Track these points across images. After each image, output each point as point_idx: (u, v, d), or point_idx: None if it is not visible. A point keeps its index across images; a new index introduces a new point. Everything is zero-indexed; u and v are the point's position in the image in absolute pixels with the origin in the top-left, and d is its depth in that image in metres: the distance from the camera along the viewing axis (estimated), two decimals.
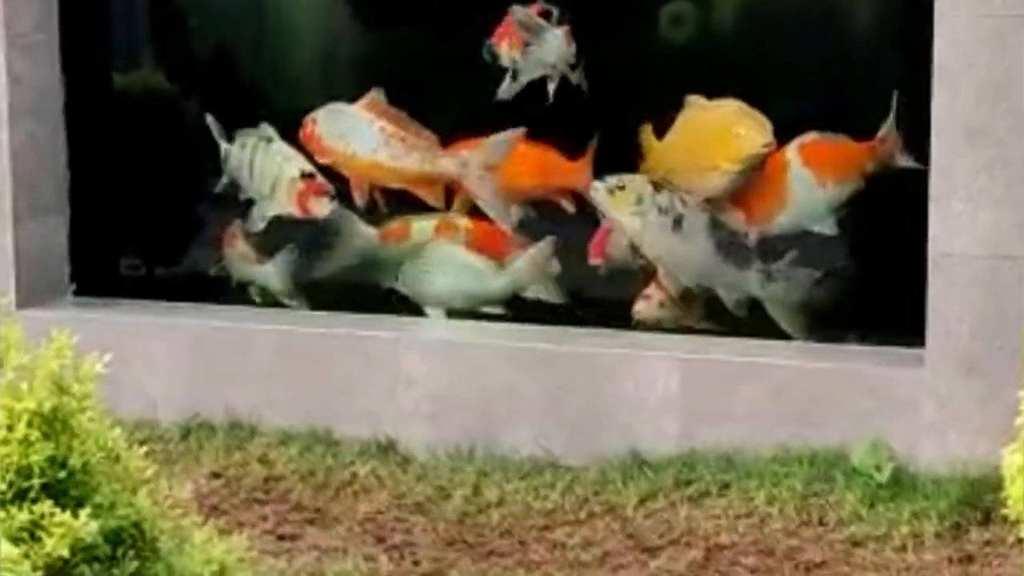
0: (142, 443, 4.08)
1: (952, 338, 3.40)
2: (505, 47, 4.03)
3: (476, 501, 3.63)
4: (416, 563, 3.26)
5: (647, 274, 4.06)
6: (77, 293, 4.61)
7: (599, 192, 4.06)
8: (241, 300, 4.46)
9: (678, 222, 4.00)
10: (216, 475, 3.93)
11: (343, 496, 3.75)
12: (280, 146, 4.36)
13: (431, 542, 3.39)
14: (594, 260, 4.09)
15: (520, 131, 4.03)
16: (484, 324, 4.06)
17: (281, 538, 3.45)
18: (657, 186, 4.04)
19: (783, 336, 3.83)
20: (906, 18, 3.77)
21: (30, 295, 4.48)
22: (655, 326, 3.99)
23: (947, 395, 3.41)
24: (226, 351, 4.21)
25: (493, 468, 3.81)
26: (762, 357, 3.63)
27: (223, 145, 4.45)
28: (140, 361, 4.30)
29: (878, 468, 3.41)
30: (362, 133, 4.15)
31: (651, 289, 4.08)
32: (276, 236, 4.44)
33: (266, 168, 4.36)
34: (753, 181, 3.92)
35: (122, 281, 4.68)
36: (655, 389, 3.67)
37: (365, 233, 4.32)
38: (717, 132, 3.94)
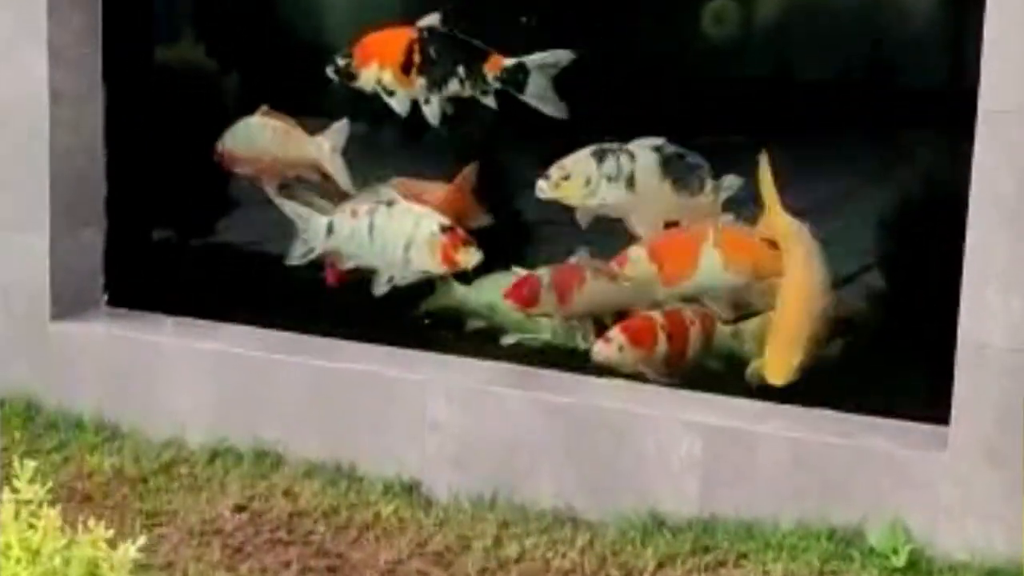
0: (168, 465, 4.23)
1: (977, 425, 3.41)
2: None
3: (496, 555, 3.66)
4: None
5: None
6: (111, 303, 4.68)
7: (545, 191, 4.09)
8: (272, 320, 4.52)
9: (631, 179, 4.07)
10: (241, 508, 3.98)
11: (365, 541, 3.79)
12: (407, 205, 4.31)
13: None
14: (514, 306, 4.19)
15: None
16: (508, 369, 4.10)
17: None
18: (600, 155, 4.08)
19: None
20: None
21: (64, 307, 4.54)
22: (611, 370, 4.05)
23: (968, 481, 3.42)
24: (255, 378, 4.25)
25: (514, 518, 3.85)
26: (785, 430, 3.65)
27: (320, 218, 4.39)
28: (169, 381, 4.36)
29: (895, 551, 3.43)
30: (260, 135, 4.75)
31: (613, 332, 4.12)
32: None
33: (396, 230, 4.29)
34: None
35: (158, 294, 4.71)
36: (677, 451, 3.70)
37: None
38: None
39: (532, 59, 4.17)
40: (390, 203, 4.33)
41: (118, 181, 4.62)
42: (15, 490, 2.09)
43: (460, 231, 4.27)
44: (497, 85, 4.19)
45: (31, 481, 2.10)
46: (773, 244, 4.00)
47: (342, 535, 3.84)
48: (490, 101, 4.19)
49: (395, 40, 4.28)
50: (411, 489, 4.02)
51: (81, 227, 4.54)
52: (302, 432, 4.17)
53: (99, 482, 4.14)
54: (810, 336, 3.85)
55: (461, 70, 4.21)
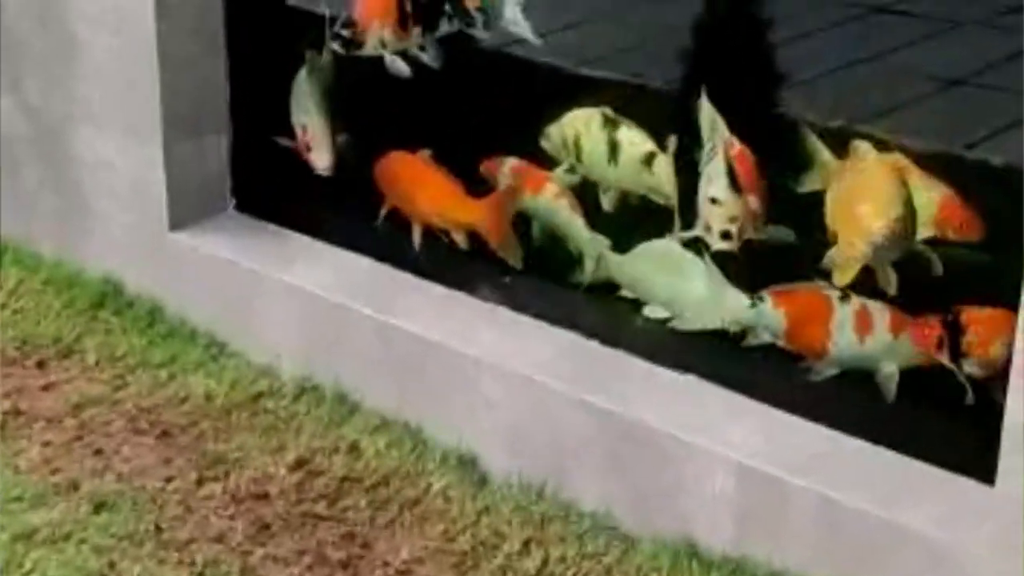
0: (257, 398, 4.22)
1: (1016, 523, 2.92)
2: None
3: (515, 567, 3.48)
4: None
5: None
6: (240, 208, 4.61)
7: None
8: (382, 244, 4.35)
9: None
10: (300, 464, 3.92)
11: (400, 525, 3.66)
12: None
13: None
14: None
15: None
16: (570, 348, 3.79)
17: None
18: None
19: None
20: None
21: (185, 215, 4.49)
22: None
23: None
24: (335, 322, 4.12)
25: (555, 515, 3.65)
26: (821, 485, 3.23)
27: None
28: (265, 310, 4.29)
29: None
30: None
31: None
32: None
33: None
34: None
35: (288, 201, 4.60)
36: (712, 484, 3.36)
37: None
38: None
39: None
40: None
41: (244, 85, 4.50)
42: None
43: None
44: (479, 15, 3.88)
45: None
46: None
47: (381, 513, 3.73)
48: (479, 32, 3.89)
49: None
50: (468, 463, 3.86)
51: (201, 133, 4.46)
52: (377, 383, 4.04)
53: (186, 411, 4.16)
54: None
55: (447, 5, 3.88)
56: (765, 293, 3.61)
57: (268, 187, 4.59)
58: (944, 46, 4.79)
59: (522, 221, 4.10)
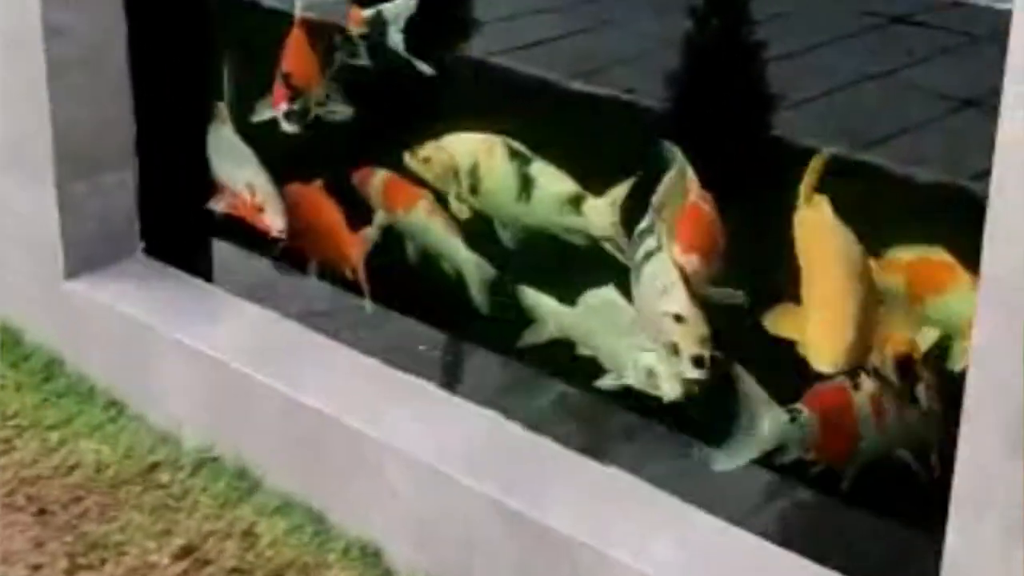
0: (152, 469, 3.81)
1: None
2: None
3: None
4: None
5: None
6: (148, 253, 4.18)
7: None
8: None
9: None
10: (187, 552, 3.50)
11: None
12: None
13: None
14: None
15: None
16: (487, 431, 3.34)
17: None
18: None
19: None
20: None
21: (84, 262, 4.06)
22: None
23: None
24: (238, 392, 3.70)
25: None
26: None
27: None
28: (165, 373, 3.87)
29: None
30: None
31: None
32: None
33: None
34: None
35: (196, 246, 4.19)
36: None
37: None
38: None
39: (388, 7, 3.50)
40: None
41: (153, 119, 4.07)
42: None
43: None
44: (361, 43, 3.53)
45: None
46: None
47: None
48: (363, 62, 3.55)
49: (301, 48, 3.58)
50: (372, 556, 3.42)
51: (101, 171, 4.02)
52: (281, 460, 3.60)
53: (71, 483, 3.74)
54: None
55: (337, 38, 3.55)
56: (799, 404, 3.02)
57: (180, 230, 4.19)
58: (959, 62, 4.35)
59: (396, 242, 3.72)
